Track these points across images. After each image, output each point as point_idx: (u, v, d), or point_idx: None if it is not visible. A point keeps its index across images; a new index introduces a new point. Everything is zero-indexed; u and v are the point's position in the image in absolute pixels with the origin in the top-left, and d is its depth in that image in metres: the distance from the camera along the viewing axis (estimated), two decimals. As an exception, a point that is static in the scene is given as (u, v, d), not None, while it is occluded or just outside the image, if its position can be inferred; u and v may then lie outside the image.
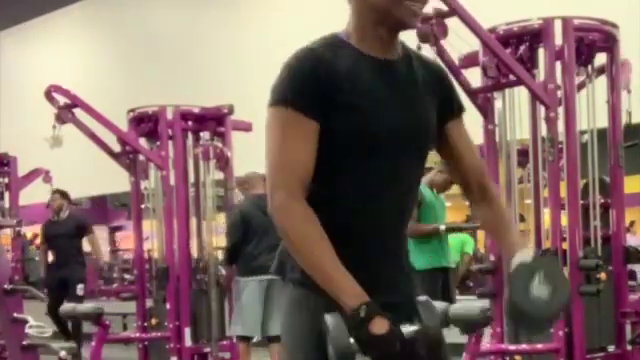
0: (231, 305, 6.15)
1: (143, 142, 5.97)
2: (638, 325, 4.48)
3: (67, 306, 5.72)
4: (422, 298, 1.88)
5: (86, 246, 9.22)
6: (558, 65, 4.37)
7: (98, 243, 9.24)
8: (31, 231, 12.34)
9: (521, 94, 4.52)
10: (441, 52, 4.26)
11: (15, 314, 4.91)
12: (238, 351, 6.11)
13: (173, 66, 11.74)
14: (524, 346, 4.42)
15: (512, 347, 4.45)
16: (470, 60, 4.55)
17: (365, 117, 1.87)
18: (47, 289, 8.56)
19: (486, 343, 4.32)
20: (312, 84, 1.84)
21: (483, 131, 4.60)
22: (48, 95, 5.76)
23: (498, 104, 4.56)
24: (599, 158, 4.53)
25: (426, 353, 1.82)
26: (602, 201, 4.57)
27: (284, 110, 1.85)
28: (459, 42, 4.23)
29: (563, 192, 4.39)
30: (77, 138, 5.84)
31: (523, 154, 4.62)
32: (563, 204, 4.40)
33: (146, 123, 5.89)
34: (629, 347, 4.49)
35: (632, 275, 7.02)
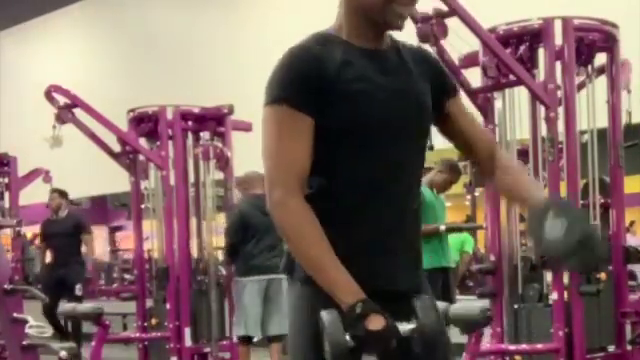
0: (231, 305, 6.15)
1: (143, 142, 5.97)
2: (638, 325, 4.48)
3: (67, 306, 5.74)
4: (422, 296, 1.88)
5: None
6: (558, 65, 4.37)
7: (93, 244, 9.16)
8: (31, 231, 12.33)
9: (521, 94, 4.53)
10: (441, 52, 4.27)
11: (15, 314, 4.91)
12: (238, 351, 6.11)
13: (173, 66, 11.74)
14: (524, 346, 4.42)
15: (512, 347, 4.45)
16: (470, 60, 4.55)
17: (360, 103, 1.90)
18: (43, 287, 8.51)
19: (486, 343, 4.32)
20: (305, 80, 1.87)
21: (483, 131, 4.59)
22: (48, 95, 5.76)
23: (498, 104, 4.56)
24: (599, 158, 4.54)
25: (423, 351, 1.82)
26: (602, 201, 4.57)
27: (279, 108, 1.88)
28: (459, 42, 4.23)
29: (563, 192, 4.39)
30: (77, 138, 5.84)
31: (523, 154, 4.63)
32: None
33: (146, 123, 5.89)
34: (629, 347, 4.49)
35: (632, 275, 7.02)
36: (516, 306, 4.49)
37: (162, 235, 5.86)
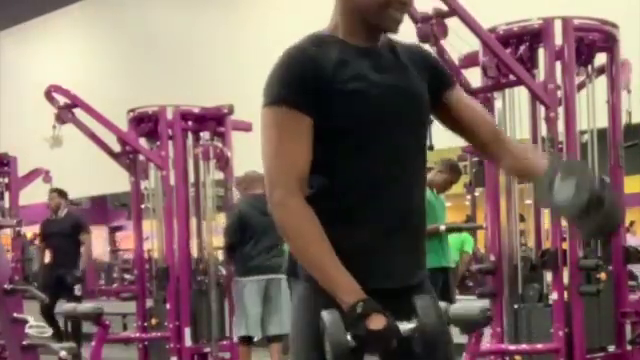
0: (231, 305, 6.15)
1: (143, 142, 5.97)
2: (638, 325, 4.48)
3: (67, 306, 5.73)
4: (423, 295, 1.88)
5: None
6: (558, 65, 4.37)
7: (90, 244, 9.13)
8: (31, 231, 12.34)
9: (521, 94, 4.53)
10: (441, 52, 4.27)
11: (15, 314, 4.91)
12: (238, 351, 6.11)
13: (173, 66, 11.73)
14: (524, 346, 4.42)
15: (512, 347, 4.45)
16: (470, 60, 4.55)
17: (356, 102, 1.91)
18: (41, 287, 8.49)
19: (486, 343, 4.32)
20: (302, 81, 1.89)
21: (483, 131, 4.59)
22: (48, 95, 5.76)
23: (498, 104, 4.56)
24: (599, 158, 4.53)
25: (424, 350, 1.82)
26: (602, 201, 4.56)
27: (278, 109, 1.89)
28: (459, 42, 4.23)
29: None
30: (77, 138, 5.84)
31: (523, 154, 4.62)
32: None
33: (146, 123, 5.89)
34: (629, 347, 4.49)
35: (632, 275, 7.02)
36: (516, 306, 4.49)
37: (162, 235, 5.86)
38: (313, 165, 1.91)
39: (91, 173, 10.76)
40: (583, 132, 4.53)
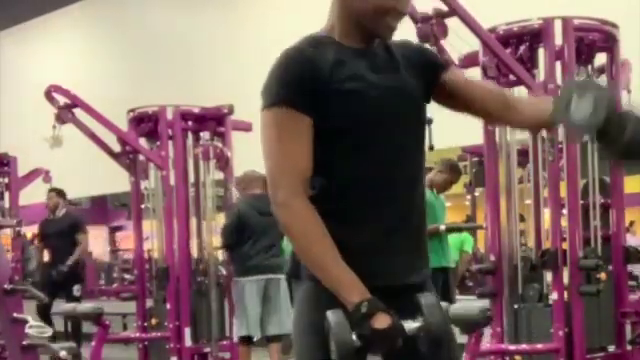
0: (231, 305, 6.15)
1: (143, 142, 5.97)
2: (638, 325, 4.48)
3: (67, 306, 5.74)
4: (427, 294, 1.88)
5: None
6: (558, 65, 4.37)
7: (86, 245, 9.11)
8: (31, 231, 12.33)
9: (521, 94, 4.52)
10: (441, 52, 4.26)
11: (15, 314, 4.90)
12: (239, 351, 6.11)
13: (173, 66, 11.72)
14: (524, 346, 4.42)
15: (512, 347, 4.45)
16: (470, 60, 4.55)
17: (354, 102, 1.91)
18: (39, 286, 8.46)
19: (486, 343, 4.32)
20: (301, 80, 1.89)
21: (483, 131, 4.60)
22: (48, 95, 5.76)
23: (498, 104, 4.55)
24: (599, 158, 4.53)
25: (429, 349, 1.82)
26: (602, 201, 4.57)
27: (278, 110, 1.90)
28: (459, 42, 4.23)
29: (563, 192, 4.39)
30: (77, 138, 5.84)
31: (523, 154, 4.63)
32: (563, 204, 4.40)
33: (146, 123, 5.90)
34: (629, 347, 4.49)
35: (632, 275, 7.02)
36: (516, 306, 4.49)
37: (162, 235, 5.87)
38: (313, 166, 1.91)
39: (91, 173, 10.75)
40: (583, 132, 4.52)
